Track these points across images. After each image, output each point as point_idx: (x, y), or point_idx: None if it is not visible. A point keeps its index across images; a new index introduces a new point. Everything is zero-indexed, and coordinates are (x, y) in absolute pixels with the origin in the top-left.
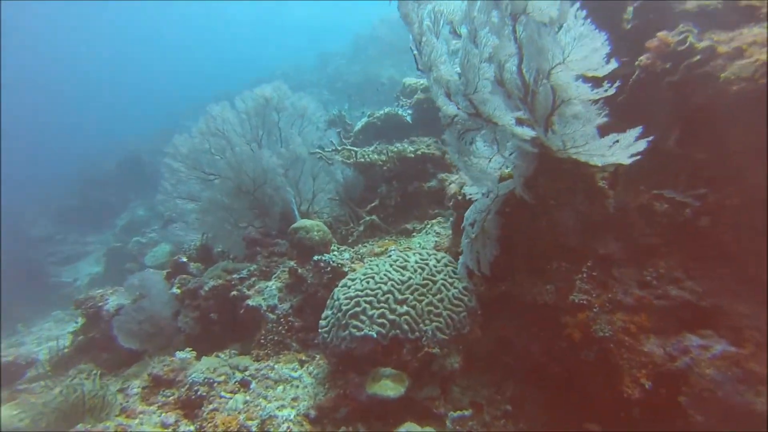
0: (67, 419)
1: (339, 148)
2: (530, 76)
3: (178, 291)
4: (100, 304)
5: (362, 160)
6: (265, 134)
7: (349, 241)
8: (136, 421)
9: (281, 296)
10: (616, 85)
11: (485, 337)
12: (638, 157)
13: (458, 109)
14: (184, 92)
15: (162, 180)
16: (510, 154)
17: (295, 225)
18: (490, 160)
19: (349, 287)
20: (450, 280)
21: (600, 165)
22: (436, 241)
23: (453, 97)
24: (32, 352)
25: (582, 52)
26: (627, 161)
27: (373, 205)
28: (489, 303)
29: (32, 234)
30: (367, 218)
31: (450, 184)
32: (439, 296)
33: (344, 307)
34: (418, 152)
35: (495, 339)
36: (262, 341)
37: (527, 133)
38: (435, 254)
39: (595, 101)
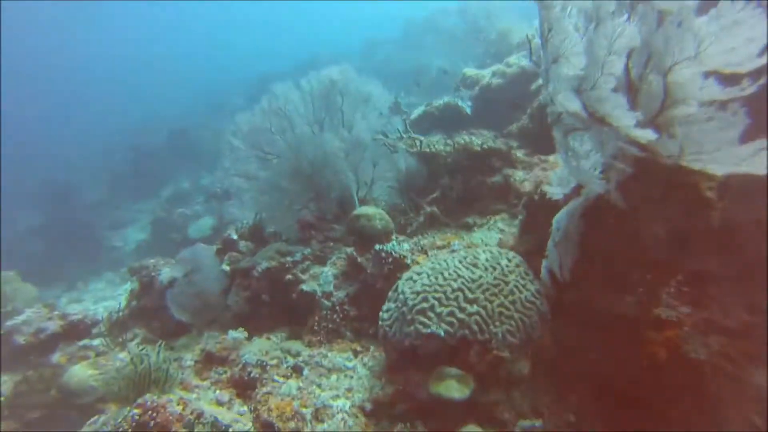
0: (136, 388)
1: (403, 136)
2: (637, 73)
3: (228, 268)
4: (153, 273)
5: (427, 149)
6: (328, 117)
7: (408, 231)
8: (194, 395)
9: (337, 283)
10: (762, 82)
11: (552, 343)
12: None
13: (582, 107)
14: (228, 73)
15: (222, 157)
16: (607, 156)
17: (356, 212)
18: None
19: (415, 281)
20: (522, 282)
21: (720, 174)
22: (499, 238)
23: (571, 94)
24: (93, 310)
25: (729, 44)
26: (762, 172)
27: (434, 196)
28: (558, 308)
29: (89, 198)
30: (428, 209)
31: (522, 181)
32: (511, 298)
33: (410, 302)
34: (485, 146)
35: (561, 346)
36: (315, 327)
37: (647, 136)
38: (506, 253)
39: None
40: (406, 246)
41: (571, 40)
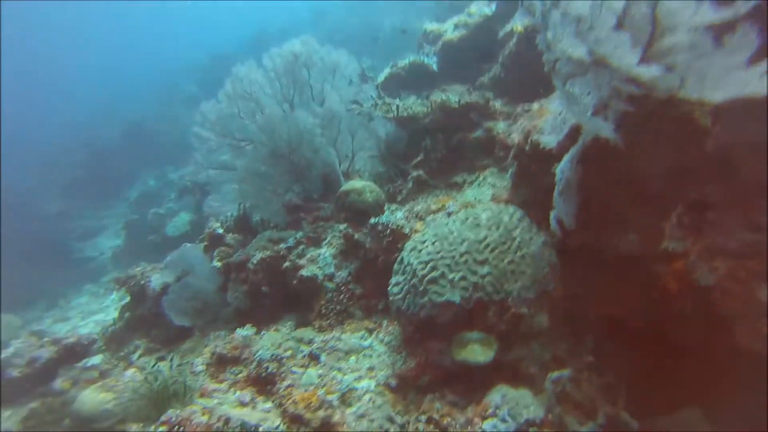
0: (156, 405)
1: (378, 102)
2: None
3: (219, 264)
4: (142, 282)
5: (404, 113)
6: (297, 93)
7: (398, 199)
8: (215, 401)
9: (337, 263)
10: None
11: (564, 291)
12: None
13: (588, 52)
14: (176, 55)
15: (191, 149)
16: (602, 96)
17: (344, 187)
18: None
19: (420, 251)
20: (528, 236)
21: (718, 101)
22: (492, 194)
23: (575, 39)
24: (83, 327)
25: None
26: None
27: (418, 159)
28: (567, 256)
29: (49, 210)
30: (414, 173)
31: (507, 133)
32: (519, 253)
33: (420, 272)
34: (462, 102)
35: (572, 292)
36: (323, 311)
37: (651, 72)
38: (506, 208)
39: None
40: (400, 214)
41: None
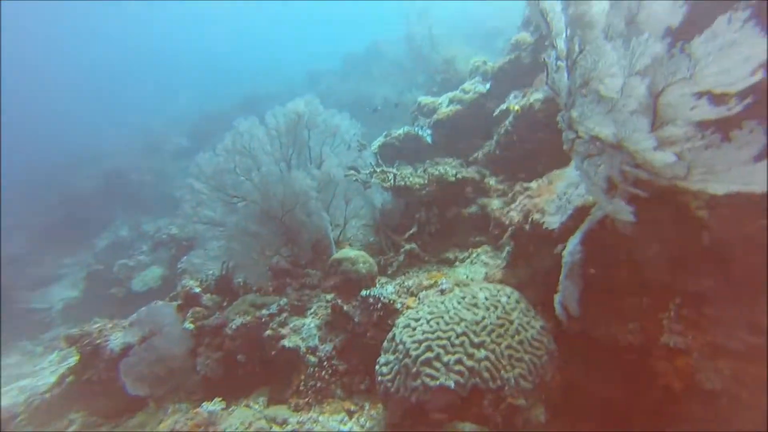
0: None
1: (376, 170)
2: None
3: (192, 326)
4: (98, 341)
5: (401, 183)
6: (295, 153)
7: (389, 272)
8: None
9: (321, 336)
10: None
11: (563, 381)
12: None
13: (614, 133)
14: (165, 112)
15: (181, 203)
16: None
17: (337, 255)
18: (577, 187)
19: (414, 329)
20: (526, 319)
21: (719, 194)
22: (485, 272)
23: (605, 118)
24: (5, 397)
25: (724, 64)
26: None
27: (411, 232)
28: (564, 342)
29: (7, 253)
30: (407, 246)
31: (506, 211)
32: (518, 338)
33: (413, 352)
34: (459, 176)
35: (571, 381)
36: (301, 388)
37: (666, 159)
38: (503, 289)
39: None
40: (390, 288)
41: (607, 60)
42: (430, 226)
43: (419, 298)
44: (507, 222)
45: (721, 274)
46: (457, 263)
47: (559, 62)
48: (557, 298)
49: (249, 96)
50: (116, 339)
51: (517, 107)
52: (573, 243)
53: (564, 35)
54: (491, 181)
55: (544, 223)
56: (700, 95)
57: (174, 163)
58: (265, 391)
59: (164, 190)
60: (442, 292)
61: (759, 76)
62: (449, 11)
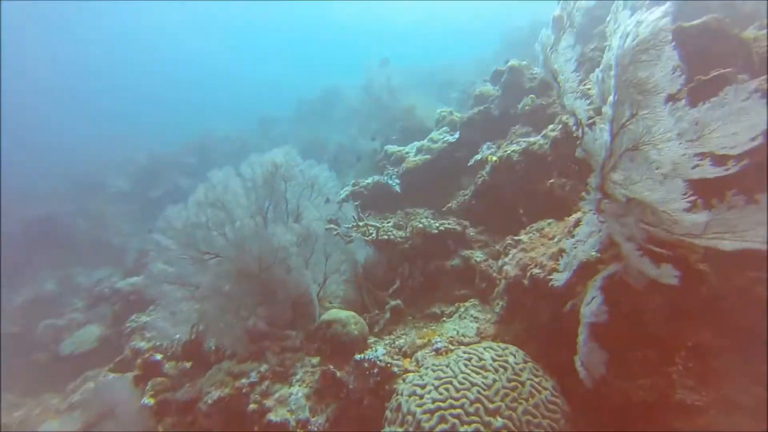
0: None
1: (359, 224)
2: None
3: (152, 401)
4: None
5: (384, 237)
6: (272, 206)
7: (375, 330)
8: None
9: (311, 406)
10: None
11: None
12: None
13: (663, 198)
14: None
15: (148, 262)
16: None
17: (325, 317)
18: (584, 243)
19: (422, 396)
20: (537, 379)
21: (729, 250)
22: (477, 327)
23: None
24: None
25: (731, 129)
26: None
27: (395, 287)
28: (573, 401)
29: None
30: (392, 303)
31: (503, 265)
32: (532, 401)
33: (425, 425)
34: (441, 228)
35: None
36: None
37: (700, 219)
38: (508, 348)
39: None
40: (381, 350)
41: (665, 125)
42: (413, 280)
43: (417, 360)
44: (499, 275)
45: (718, 326)
46: (444, 318)
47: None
48: (579, 359)
49: (199, 140)
50: (49, 429)
51: (494, 158)
52: (597, 303)
53: (612, 99)
54: (471, 232)
55: (548, 279)
56: (703, 156)
57: (113, 207)
58: None
59: (101, 236)
60: (437, 351)
61: (759, 141)
62: (404, 63)
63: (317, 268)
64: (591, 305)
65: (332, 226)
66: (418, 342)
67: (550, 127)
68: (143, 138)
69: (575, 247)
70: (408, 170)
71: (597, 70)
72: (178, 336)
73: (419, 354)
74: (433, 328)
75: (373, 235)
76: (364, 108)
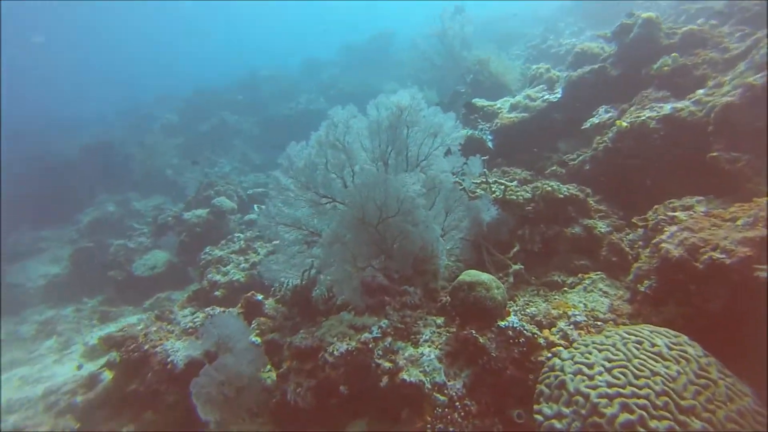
0: None
1: (488, 180)
2: None
3: (259, 340)
4: (146, 347)
5: (512, 197)
6: (394, 152)
7: None
8: None
9: (446, 370)
10: None
11: None
12: None
13: None
14: (153, 87)
15: (267, 199)
16: None
17: (467, 278)
18: None
19: (591, 377)
20: (729, 380)
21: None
22: (610, 303)
23: None
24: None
25: None
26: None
27: (515, 250)
28: None
29: None
30: (515, 267)
31: (659, 242)
32: (734, 407)
33: (603, 410)
34: (567, 193)
35: None
36: (427, 430)
37: None
38: (679, 335)
39: None
40: (514, 318)
41: None
42: (533, 245)
43: (565, 334)
44: (653, 253)
45: None
46: (565, 288)
47: None
48: None
49: (246, 77)
50: (179, 351)
51: (625, 123)
52: None
53: None
54: (590, 201)
55: (739, 267)
56: None
57: (164, 139)
58: (362, 425)
59: (153, 166)
60: (576, 325)
61: None
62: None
63: (436, 221)
64: None
65: (459, 180)
66: (554, 312)
67: (701, 92)
68: (187, 74)
69: None
70: (503, 126)
71: None
72: (289, 280)
73: (559, 325)
74: (556, 297)
75: (498, 194)
76: (432, 56)
